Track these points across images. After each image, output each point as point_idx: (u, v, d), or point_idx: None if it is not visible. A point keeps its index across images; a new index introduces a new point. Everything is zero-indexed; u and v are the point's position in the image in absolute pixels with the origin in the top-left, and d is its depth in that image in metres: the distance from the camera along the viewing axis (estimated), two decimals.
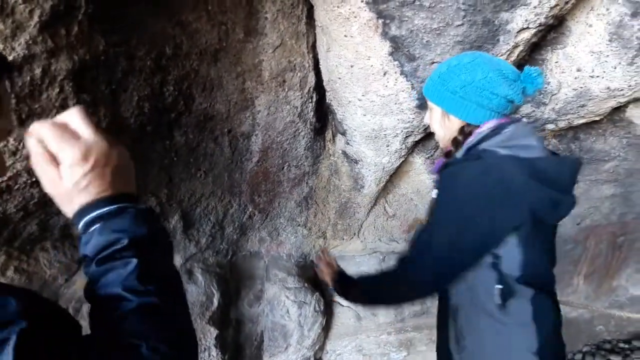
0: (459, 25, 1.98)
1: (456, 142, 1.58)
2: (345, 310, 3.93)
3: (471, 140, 1.49)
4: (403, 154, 2.94)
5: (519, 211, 1.33)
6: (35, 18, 1.23)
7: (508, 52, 2.03)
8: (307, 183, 3.23)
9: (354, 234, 3.63)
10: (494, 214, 1.33)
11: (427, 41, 2.11)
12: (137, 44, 1.68)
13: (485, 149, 1.40)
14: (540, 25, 1.90)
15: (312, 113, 2.89)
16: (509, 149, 1.36)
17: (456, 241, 1.35)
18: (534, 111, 2.63)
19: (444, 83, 1.50)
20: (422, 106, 2.43)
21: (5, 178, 1.36)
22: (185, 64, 2.02)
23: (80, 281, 1.95)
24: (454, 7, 1.92)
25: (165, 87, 1.90)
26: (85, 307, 2.11)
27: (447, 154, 1.68)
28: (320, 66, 2.68)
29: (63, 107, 1.38)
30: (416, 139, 2.82)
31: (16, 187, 1.40)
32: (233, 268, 3.06)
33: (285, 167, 3.02)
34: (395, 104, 2.47)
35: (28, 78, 1.27)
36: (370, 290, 1.74)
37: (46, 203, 1.54)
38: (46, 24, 1.25)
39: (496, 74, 1.39)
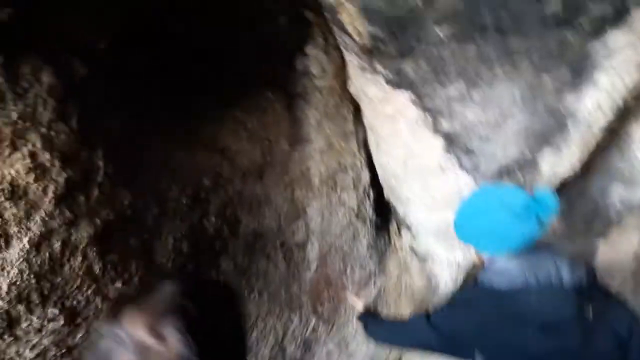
0: (518, 116, 1.81)
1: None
2: None
3: None
4: None
5: (475, 338, 1.50)
6: (50, 194, 1.25)
7: (583, 140, 1.81)
8: (375, 284, 3.04)
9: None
10: (455, 332, 1.57)
11: (484, 134, 1.95)
12: (169, 185, 1.68)
13: (476, 276, 1.57)
14: (617, 109, 1.68)
15: (371, 210, 2.77)
16: (491, 279, 1.49)
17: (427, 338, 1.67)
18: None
19: (462, 229, 1.63)
20: None
21: (32, 355, 1.36)
22: (227, 190, 2.01)
23: None
24: (509, 98, 1.76)
25: (206, 219, 1.89)
26: None
27: None
28: (374, 161, 2.59)
29: (87, 273, 1.37)
30: None
31: None
32: None
33: (348, 270, 2.88)
34: (460, 199, 2.29)
35: (47, 254, 1.28)
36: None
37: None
38: (62, 196, 1.27)
39: (504, 215, 1.46)
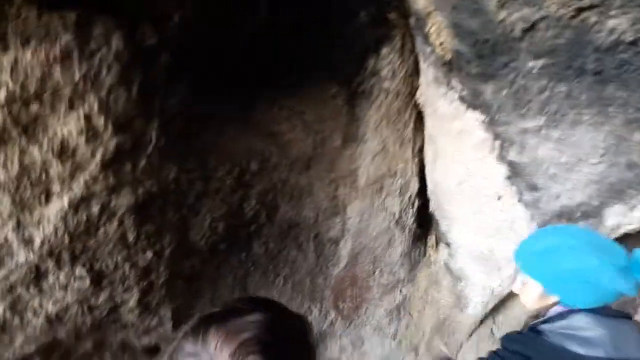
0: (595, 164, 1.68)
1: (537, 315, 1.58)
2: None
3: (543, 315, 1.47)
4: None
5: None
6: (98, 157, 1.25)
7: None
8: (400, 291, 2.99)
9: (452, 353, 3.26)
10: None
11: (553, 173, 1.83)
12: (215, 165, 1.67)
13: (535, 325, 1.39)
14: None
15: (412, 219, 2.69)
16: (562, 337, 1.30)
17: None
18: None
19: (545, 262, 1.38)
20: None
21: (54, 309, 1.40)
22: (272, 176, 1.97)
23: None
24: (590, 145, 1.63)
25: (246, 203, 1.87)
26: None
27: None
28: (426, 172, 2.50)
29: (120, 240, 1.38)
30: None
31: (67, 317, 1.44)
32: None
33: (376, 273, 2.83)
34: (511, 230, 2.18)
35: (84, 216, 1.29)
36: None
37: (100, 326, 1.55)
38: (109, 162, 1.27)
39: (605, 263, 1.27)
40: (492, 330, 3.18)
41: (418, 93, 2.08)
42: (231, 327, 0.76)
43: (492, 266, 2.51)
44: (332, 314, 2.79)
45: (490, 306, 2.87)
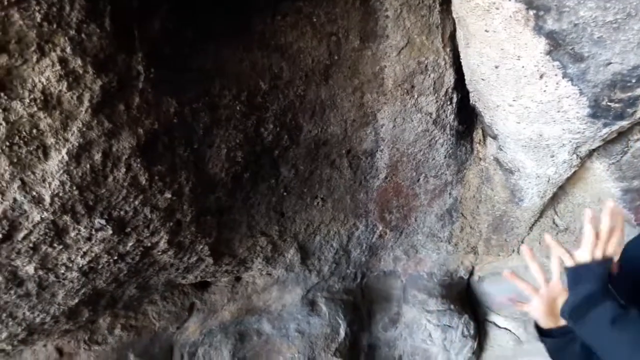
0: None
1: None
2: (502, 333, 3.59)
3: None
4: (575, 164, 2.45)
5: None
6: (86, 103, 1.22)
7: None
8: (450, 194, 2.94)
9: (513, 250, 3.22)
10: None
11: (599, 37, 1.64)
12: (220, 91, 1.62)
13: None
14: None
15: (451, 117, 2.57)
16: None
17: None
18: None
19: None
20: (595, 115, 1.95)
21: (85, 262, 1.46)
22: (287, 93, 1.91)
23: (193, 327, 2.07)
24: None
25: (263, 127, 1.83)
26: (201, 350, 2.25)
27: None
28: (461, 60, 2.34)
29: (133, 185, 1.39)
30: (593, 147, 2.31)
31: (100, 267, 1.50)
32: (365, 290, 2.99)
33: (420, 179, 2.78)
34: (558, 112, 2.03)
35: (88, 166, 1.30)
36: None
37: (138, 271, 1.62)
38: (99, 105, 1.24)
39: None
40: (554, 220, 3.10)
41: None
42: None
43: (544, 153, 2.38)
44: (380, 227, 2.80)
45: (549, 195, 2.77)
